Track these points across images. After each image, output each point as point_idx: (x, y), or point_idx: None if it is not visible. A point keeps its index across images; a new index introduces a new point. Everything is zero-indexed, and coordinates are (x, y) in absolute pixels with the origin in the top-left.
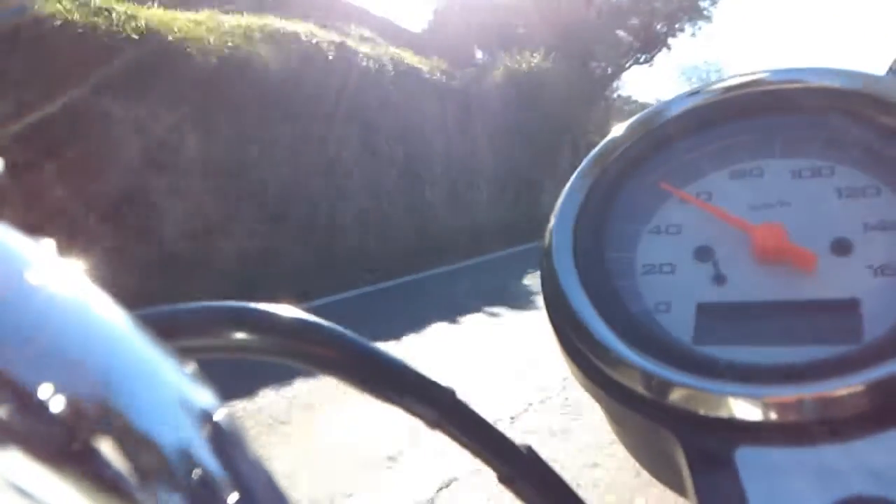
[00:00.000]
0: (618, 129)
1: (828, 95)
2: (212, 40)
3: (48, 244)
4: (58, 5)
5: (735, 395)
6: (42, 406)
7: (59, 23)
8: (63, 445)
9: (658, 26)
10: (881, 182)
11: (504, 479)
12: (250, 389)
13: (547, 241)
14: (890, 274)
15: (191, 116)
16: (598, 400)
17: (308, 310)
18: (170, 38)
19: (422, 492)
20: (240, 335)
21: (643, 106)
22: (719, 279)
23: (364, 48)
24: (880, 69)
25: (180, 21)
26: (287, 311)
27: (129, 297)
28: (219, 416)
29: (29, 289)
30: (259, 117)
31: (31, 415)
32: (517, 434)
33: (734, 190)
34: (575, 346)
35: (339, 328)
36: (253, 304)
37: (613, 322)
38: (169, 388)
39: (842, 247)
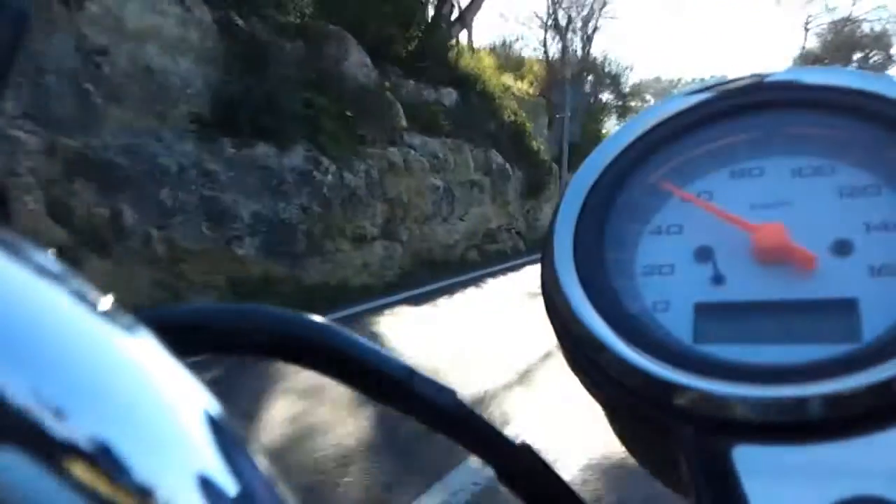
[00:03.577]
0: (618, 129)
1: (829, 94)
2: None
3: (48, 251)
4: None
5: (734, 394)
6: (43, 406)
7: None
8: (63, 445)
9: None
10: (882, 181)
11: (503, 478)
12: None
13: (547, 241)
14: (890, 274)
15: None
16: (598, 399)
17: None
18: None
19: None
20: (239, 335)
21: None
22: (718, 279)
23: None
24: None
25: None
26: (285, 311)
27: None
28: (219, 416)
29: (27, 292)
30: None
31: (31, 416)
32: None
33: (735, 189)
34: (574, 345)
35: (337, 327)
36: (252, 305)
37: (613, 321)
38: (169, 389)
39: (842, 247)
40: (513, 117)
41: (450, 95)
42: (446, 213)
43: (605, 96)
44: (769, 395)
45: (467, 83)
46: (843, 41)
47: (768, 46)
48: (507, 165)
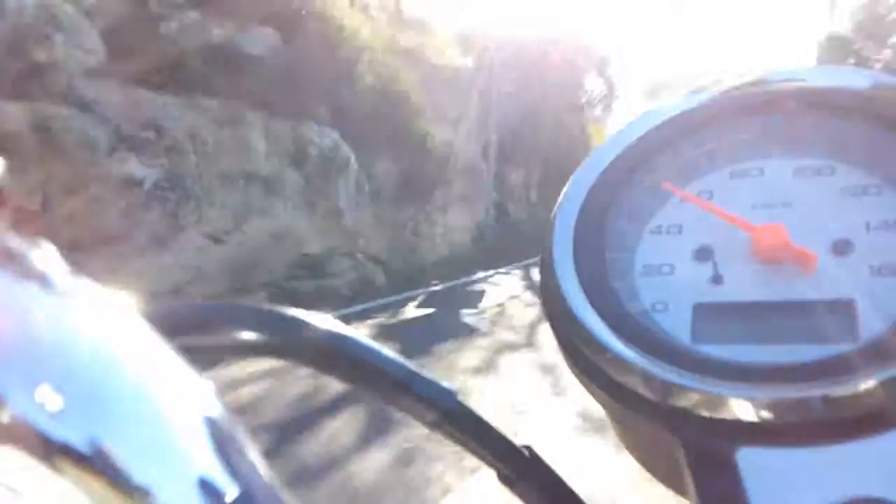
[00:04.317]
0: (618, 129)
1: (829, 95)
2: None
3: (48, 248)
4: None
5: (734, 395)
6: (42, 406)
7: None
8: (62, 446)
9: None
10: (883, 181)
11: (504, 479)
12: None
13: (547, 241)
14: (889, 274)
15: None
16: (599, 400)
17: None
18: None
19: None
20: (238, 334)
21: None
22: (717, 279)
23: None
24: None
25: None
26: (285, 310)
27: None
28: (220, 415)
29: (28, 292)
30: None
31: (32, 415)
32: None
33: (736, 189)
34: (574, 346)
35: (338, 327)
36: (251, 304)
37: (613, 322)
38: (169, 387)
39: (842, 247)
40: (380, 80)
41: (262, 38)
42: (164, 227)
43: (591, 83)
44: (767, 396)
45: (301, 23)
46: (878, 19)
47: (794, 29)
48: (347, 152)
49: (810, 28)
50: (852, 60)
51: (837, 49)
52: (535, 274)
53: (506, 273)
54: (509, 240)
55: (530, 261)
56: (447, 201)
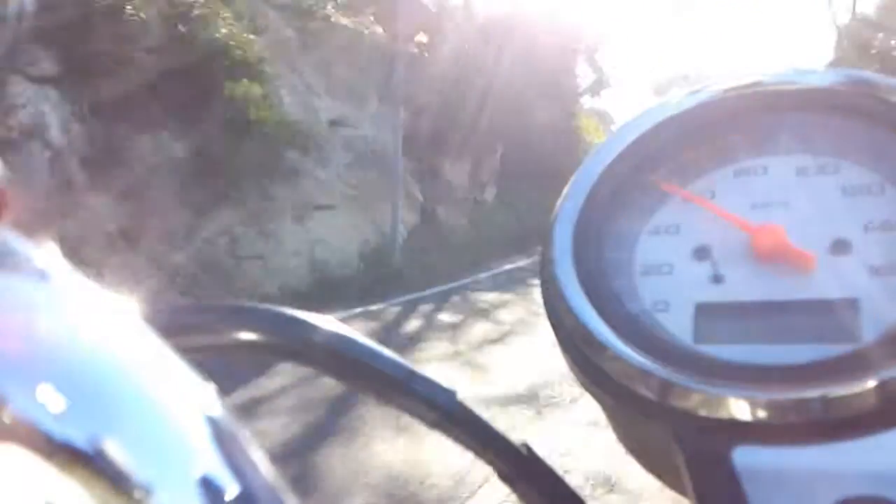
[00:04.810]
0: (618, 128)
1: (828, 95)
2: None
3: (50, 247)
4: None
5: (734, 395)
6: (43, 406)
7: None
8: (63, 445)
9: None
10: (882, 181)
11: (504, 478)
12: None
13: (547, 241)
14: (889, 274)
15: None
16: (598, 399)
17: None
18: None
19: None
20: (238, 334)
21: None
22: (718, 279)
23: None
24: None
25: None
26: (285, 310)
27: None
28: (220, 414)
29: (29, 291)
30: None
31: (33, 415)
32: None
33: (736, 189)
34: (574, 346)
35: (339, 327)
36: (250, 304)
37: (613, 321)
38: (170, 387)
39: (841, 247)
40: (177, 24)
41: None
42: None
43: (580, 68)
44: (769, 397)
45: None
46: None
47: (814, 19)
48: (43, 117)
49: (832, 16)
50: (874, 51)
51: (857, 39)
52: (412, 323)
53: (374, 314)
54: (429, 257)
55: (433, 290)
56: (310, 202)
